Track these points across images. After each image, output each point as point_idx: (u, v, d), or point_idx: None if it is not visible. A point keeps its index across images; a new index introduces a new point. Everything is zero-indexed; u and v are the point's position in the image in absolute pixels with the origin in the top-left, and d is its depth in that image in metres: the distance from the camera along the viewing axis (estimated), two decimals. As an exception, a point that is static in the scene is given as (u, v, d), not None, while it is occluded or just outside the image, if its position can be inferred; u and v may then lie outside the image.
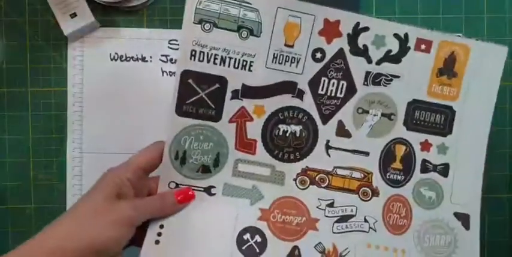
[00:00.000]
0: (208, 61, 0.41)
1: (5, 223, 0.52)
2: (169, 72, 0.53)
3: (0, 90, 0.52)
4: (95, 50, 0.52)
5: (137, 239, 0.41)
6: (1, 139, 0.52)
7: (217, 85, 0.42)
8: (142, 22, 0.52)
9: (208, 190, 0.43)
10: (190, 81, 0.42)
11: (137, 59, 0.52)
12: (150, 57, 0.52)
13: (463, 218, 0.46)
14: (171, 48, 0.53)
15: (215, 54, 0.41)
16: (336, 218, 0.44)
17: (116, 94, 0.52)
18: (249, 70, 0.42)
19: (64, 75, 0.52)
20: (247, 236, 0.43)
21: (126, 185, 0.40)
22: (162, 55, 0.53)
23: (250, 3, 0.41)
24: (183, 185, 0.43)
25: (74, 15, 0.50)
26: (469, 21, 0.53)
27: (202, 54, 0.41)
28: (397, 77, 0.45)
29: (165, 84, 0.52)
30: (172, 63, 0.53)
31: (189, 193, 0.42)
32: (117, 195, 0.39)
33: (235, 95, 0.43)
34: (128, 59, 0.52)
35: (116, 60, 0.52)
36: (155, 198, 0.42)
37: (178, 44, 0.52)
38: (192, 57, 0.41)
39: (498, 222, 0.55)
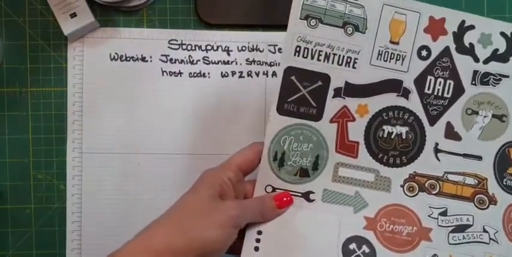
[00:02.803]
0: (312, 58, 0.40)
1: (5, 223, 0.51)
2: (169, 72, 0.52)
3: (0, 90, 0.52)
4: (95, 50, 0.51)
5: (235, 247, 0.38)
6: (1, 139, 0.51)
7: (319, 83, 0.40)
8: (142, 22, 0.52)
9: (306, 196, 0.40)
10: (293, 78, 0.40)
11: (137, 59, 0.51)
12: (150, 57, 0.51)
13: None
14: (171, 48, 0.52)
15: (319, 51, 0.40)
16: (450, 228, 0.40)
17: (115, 94, 0.51)
18: (353, 67, 0.41)
19: (64, 75, 0.52)
20: (353, 246, 0.39)
21: (228, 185, 0.38)
22: (162, 55, 0.52)
23: (357, 0, 0.40)
24: (280, 189, 0.40)
25: (74, 15, 0.49)
26: (469, 21, 0.51)
27: (306, 50, 0.40)
28: (507, 76, 0.42)
29: (165, 84, 0.51)
30: (172, 63, 0.52)
31: (288, 198, 0.40)
32: (220, 195, 0.37)
33: (338, 93, 0.41)
34: (128, 59, 0.51)
35: (116, 60, 0.51)
36: (256, 200, 0.39)
37: (178, 44, 0.52)
38: (297, 54, 0.40)
39: None
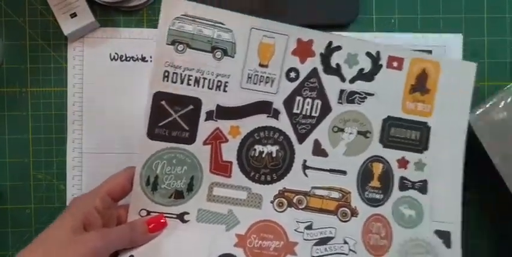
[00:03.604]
0: (181, 82, 0.40)
1: (5, 223, 0.51)
2: (169, 72, 0.53)
3: (0, 90, 0.51)
4: (95, 50, 0.52)
5: None
6: (1, 139, 0.51)
7: (191, 106, 0.41)
8: (142, 22, 0.52)
9: (181, 217, 0.42)
10: (163, 103, 0.40)
11: (137, 59, 0.52)
12: (150, 57, 0.52)
13: (444, 236, 0.45)
14: None
15: (189, 75, 0.40)
16: (314, 241, 0.43)
17: (115, 94, 0.52)
18: (224, 91, 0.41)
19: (64, 75, 0.52)
20: None
21: (93, 215, 0.38)
22: None
23: (224, 24, 0.41)
24: (154, 212, 0.41)
25: (74, 15, 0.49)
26: (469, 21, 0.53)
27: (175, 75, 0.40)
28: (371, 94, 0.45)
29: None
30: None
31: (161, 220, 0.41)
32: (84, 225, 0.37)
33: (210, 116, 0.42)
34: (128, 59, 0.52)
35: (116, 60, 0.52)
36: (124, 227, 0.40)
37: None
38: (165, 79, 0.40)
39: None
